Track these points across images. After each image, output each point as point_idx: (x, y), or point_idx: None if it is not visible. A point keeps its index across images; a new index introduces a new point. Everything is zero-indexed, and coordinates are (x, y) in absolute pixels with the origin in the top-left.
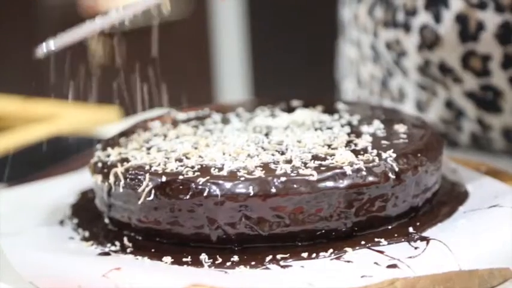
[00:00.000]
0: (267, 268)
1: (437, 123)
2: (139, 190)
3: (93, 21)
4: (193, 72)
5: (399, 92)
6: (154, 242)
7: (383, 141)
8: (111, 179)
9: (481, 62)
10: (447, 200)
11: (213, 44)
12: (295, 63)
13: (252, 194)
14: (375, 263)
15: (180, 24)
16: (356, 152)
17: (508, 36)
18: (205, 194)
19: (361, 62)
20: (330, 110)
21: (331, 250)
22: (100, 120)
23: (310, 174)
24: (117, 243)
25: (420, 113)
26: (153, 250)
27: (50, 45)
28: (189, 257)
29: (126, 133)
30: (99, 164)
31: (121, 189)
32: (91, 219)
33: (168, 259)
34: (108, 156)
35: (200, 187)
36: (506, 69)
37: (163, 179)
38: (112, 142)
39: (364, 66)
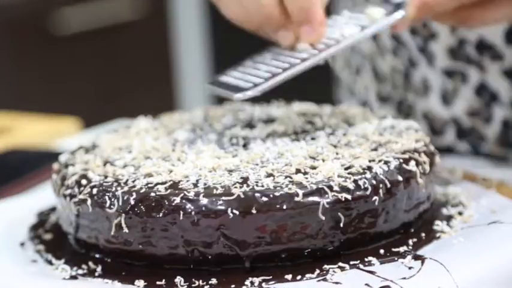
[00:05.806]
0: None
1: (463, 117)
2: (108, 209)
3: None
4: (152, 76)
5: (423, 84)
6: (125, 264)
7: (372, 153)
8: (78, 197)
9: None
10: (442, 215)
11: (173, 45)
12: None
13: (230, 211)
14: (366, 284)
15: (137, 24)
16: (343, 165)
17: None
18: (179, 211)
19: (379, 55)
20: (314, 118)
21: (317, 271)
22: (59, 132)
23: (294, 189)
24: (84, 266)
25: (445, 106)
26: (123, 273)
27: (248, 92)
28: (163, 280)
29: (89, 147)
30: (63, 182)
31: (90, 209)
32: (55, 241)
33: (140, 283)
34: (73, 174)
35: (174, 204)
36: None
37: (134, 196)
38: (75, 157)
39: (383, 59)
